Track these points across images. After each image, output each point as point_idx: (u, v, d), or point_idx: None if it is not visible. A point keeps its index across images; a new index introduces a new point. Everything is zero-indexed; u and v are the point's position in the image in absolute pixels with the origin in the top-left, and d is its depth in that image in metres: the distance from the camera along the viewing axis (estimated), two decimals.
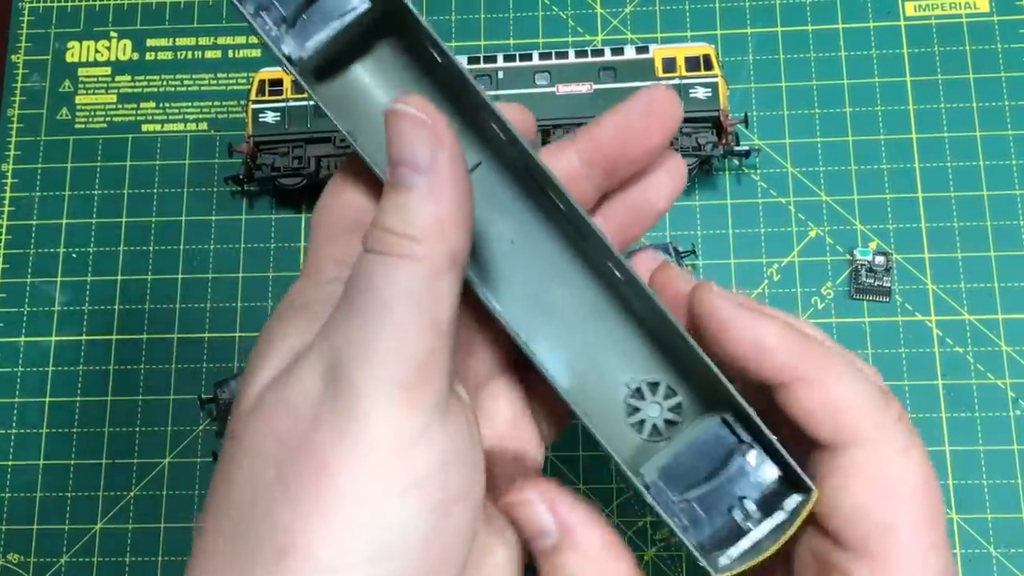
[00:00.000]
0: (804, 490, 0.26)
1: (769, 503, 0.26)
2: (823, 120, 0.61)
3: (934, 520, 0.26)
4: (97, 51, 0.66)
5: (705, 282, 0.28)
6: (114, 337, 0.60)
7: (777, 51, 0.63)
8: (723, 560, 0.25)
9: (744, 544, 0.25)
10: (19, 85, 0.65)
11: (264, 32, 0.25)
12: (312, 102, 0.60)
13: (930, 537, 0.26)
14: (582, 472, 0.56)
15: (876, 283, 0.58)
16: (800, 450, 0.27)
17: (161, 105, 0.64)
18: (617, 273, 0.27)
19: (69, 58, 0.66)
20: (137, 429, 0.59)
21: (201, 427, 0.58)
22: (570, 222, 0.28)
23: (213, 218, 0.62)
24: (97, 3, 0.67)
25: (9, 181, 0.63)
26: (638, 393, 0.29)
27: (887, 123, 0.61)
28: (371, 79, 0.28)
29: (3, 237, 0.62)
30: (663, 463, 0.27)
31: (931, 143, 0.60)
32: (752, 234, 0.59)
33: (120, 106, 0.65)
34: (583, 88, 0.59)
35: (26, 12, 0.67)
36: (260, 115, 0.59)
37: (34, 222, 0.63)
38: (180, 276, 0.61)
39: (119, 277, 0.61)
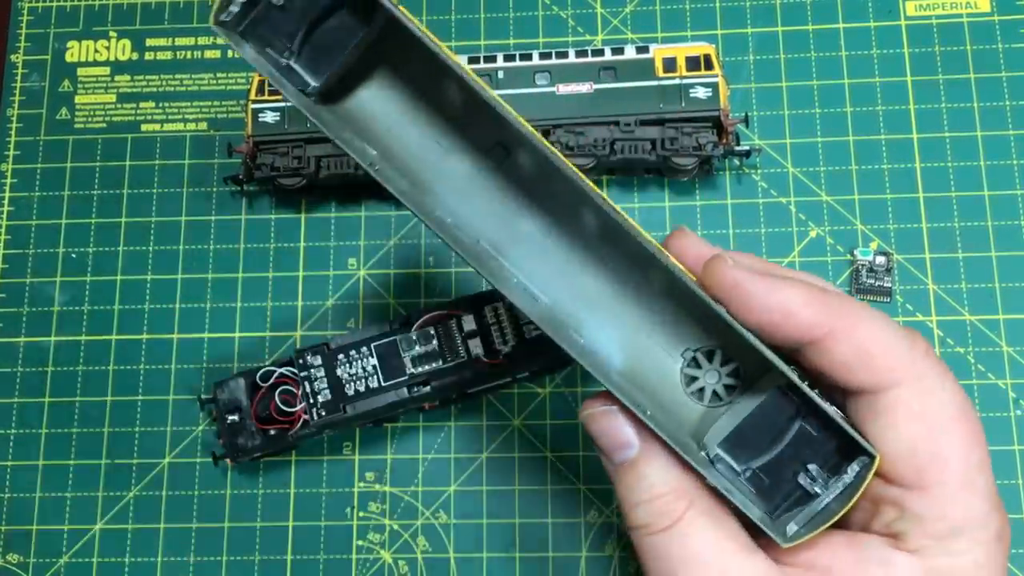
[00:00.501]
0: (865, 454, 0.26)
1: (832, 468, 0.26)
2: (824, 120, 0.61)
3: (976, 441, 0.27)
4: (96, 51, 0.66)
5: (718, 255, 0.28)
6: (114, 337, 0.60)
7: (778, 51, 0.62)
8: (791, 528, 0.26)
9: (810, 511, 0.26)
10: (18, 85, 0.65)
11: (272, 67, 0.25)
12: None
13: (976, 456, 0.27)
14: (581, 471, 0.56)
15: (877, 283, 0.58)
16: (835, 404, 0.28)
17: (160, 105, 0.64)
18: (651, 254, 0.28)
19: (68, 58, 0.66)
20: (137, 429, 0.58)
21: (201, 427, 0.58)
22: (597, 216, 0.28)
23: (212, 218, 0.62)
24: (96, 3, 0.67)
25: (8, 181, 0.63)
26: (694, 363, 0.30)
27: (888, 123, 0.61)
28: (379, 101, 0.28)
29: (2, 237, 0.62)
30: (726, 434, 0.28)
31: (932, 143, 0.60)
32: (752, 234, 0.59)
33: (119, 106, 0.65)
34: (583, 88, 0.59)
35: (25, 12, 0.67)
36: (260, 115, 0.59)
37: (33, 222, 0.62)
38: (180, 276, 0.61)
39: (119, 277, 0.61)
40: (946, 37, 0.62)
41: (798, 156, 0.60)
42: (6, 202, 0.63)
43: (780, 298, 0.27)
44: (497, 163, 0.29)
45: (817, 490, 0.26)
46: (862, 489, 0.25)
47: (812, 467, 0.26)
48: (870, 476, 0.25)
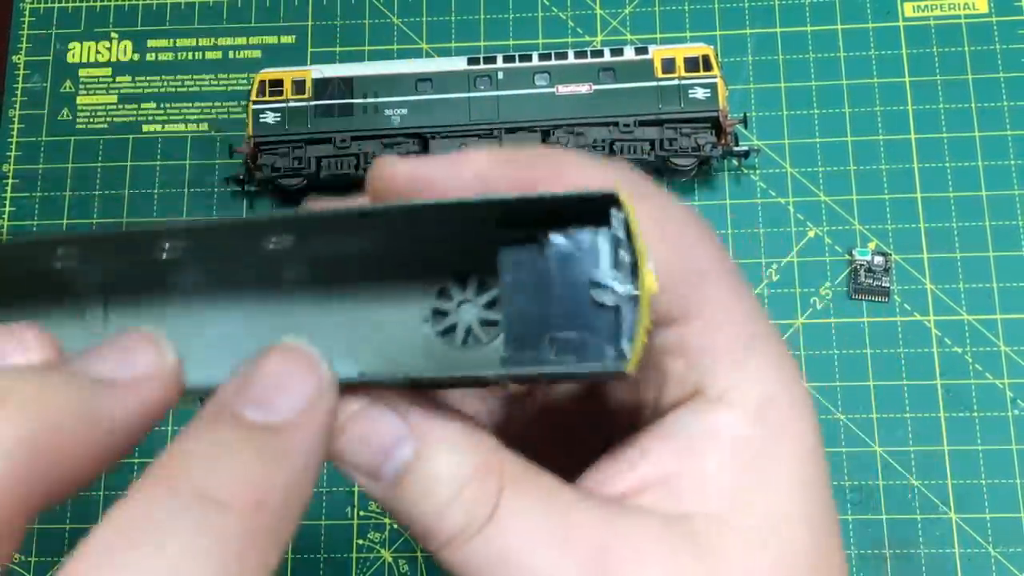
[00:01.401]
0: (606, 204, 0.22)
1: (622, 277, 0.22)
2: (822, 120, 0.61)
3: (719, 246, 0.25)
4: (98, 52, 0.66)
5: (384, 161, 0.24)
6: None
7: (776, 52, 0.63)
8: (625, 348, 0.21)
9: (626, 317, 0.21)
10: (20, 86, 0.65)
11: None
12: (313, 103, 0.60)
13: (729, 262, 0.25)
14: None
15: (875, 283, 0.58)
16: None
17: (162, 106, 0.65)
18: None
19: (70, 59, 0.66)
20: None
21: None
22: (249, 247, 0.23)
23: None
24: (98, 4, 0.67)
25: (10, 182, 0.63)
26: (443, 295, 0.24)
27: (886, 123, 0.61)
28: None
29: (4, 238, 0.62)
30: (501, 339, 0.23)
31: (930, 143, 0.60)
32: (751, 234, 0.60)
33: (121, 107, 0.65)
34: (583, 89, 0.59)
35: (27, 13, 0.67)
36: (260, 115, 0.60)
37: (35, 223, 0.63)
38: None
39: None
40: (944, 38, 0.62)
41: (797, 157, 0.61)
42: (8, 203, 0.63)
43: (468, 167, 0.23)
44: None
45: (615, 286, 0.22)
46: (639, 239, 0.21)
47: (597, 276, 0.22)
48: (631, 215, 0.21)
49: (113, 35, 0.66)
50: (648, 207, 0.23)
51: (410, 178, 0.22)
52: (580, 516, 0.21)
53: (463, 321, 0.24)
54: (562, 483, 0.22)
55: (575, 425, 0.28)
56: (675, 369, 0.23)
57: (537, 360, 0.22)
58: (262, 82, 0.60)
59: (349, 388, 0.21)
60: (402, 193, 0.22)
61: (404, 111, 0.60)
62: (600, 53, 0.59)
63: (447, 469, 0.21)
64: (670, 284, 0.23)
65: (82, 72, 0.66)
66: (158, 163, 0.63)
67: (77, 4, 0.67)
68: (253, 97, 0.60)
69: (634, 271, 0.21)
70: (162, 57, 0.66)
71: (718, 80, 0.58)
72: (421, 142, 0.60)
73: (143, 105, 0.65)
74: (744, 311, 0.24)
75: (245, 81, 0.65)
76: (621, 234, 0.22)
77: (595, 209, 0.22)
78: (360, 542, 0.56)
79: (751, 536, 0.22)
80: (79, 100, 0.65)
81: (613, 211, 0.22)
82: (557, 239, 0.22)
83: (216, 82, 0.65)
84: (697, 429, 0.23)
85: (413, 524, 0.21)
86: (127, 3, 0.67)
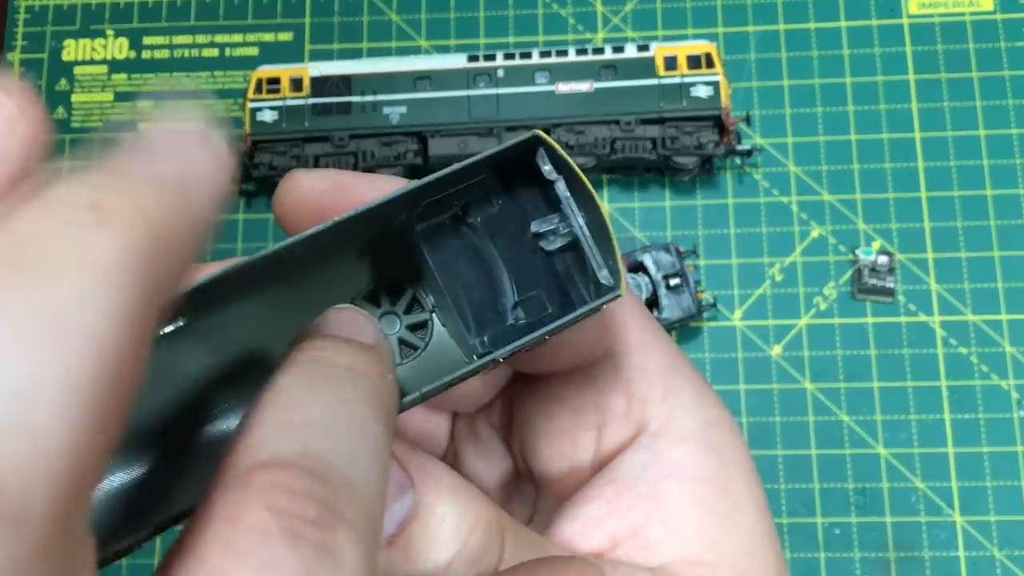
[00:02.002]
0: (531, 146, 0.21)
1: (548, 209, 0.22)
2: (825, 119, 0.61)
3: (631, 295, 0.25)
4: (93, 49, 0.65)
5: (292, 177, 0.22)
6: None
7: (779, 49, 0.62)
8: (604, 282, 0.20)
9: (593, 256, 0.21)
10: None
11: None
12: (309, 101, 0.60)
13: (645, 312, 0.25)
14: None
15: (879, 283, 0.57)
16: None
17: (158, 104, 0.64)
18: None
19: (65, 57, 0.65)
20: None
21: None
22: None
23: None
24: (93, 1, 0.66)
25: None
26: (398, 294, 0.23)
27: (890, 122, 0.60)
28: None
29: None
30: (458, 325, 0.22)
31: (934, 142, 0.60)
32: (754, 234, 0.59)
33: (117, 104, 0.64)
34: (584, 86, 0.58)
35: (22, 10, 0.66)
36: (257, 114, 0.59)
37: None
38: None
39: None
40: (949, 35, 0.61)
41: (800, 155, 0.60)
42: None
43: (381, 181, 0.22)
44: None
45: (561, 226, 0.21)
46: (572, 164, 0.21)
47: (535, 226, 0.22)
48: (558, 148, 0.21)
49: (109, 32, 0.66)
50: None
51: (321, 191, 0.21)
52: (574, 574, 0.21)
53: (392, 334, 0.23)
54: (548, 539, 0.22)
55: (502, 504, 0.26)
56: (616, 406, 0.24)
57: (509, 332, 0.21)
58: (259, 80, 0.60)
59: None
60: (312, 206, 0.21)
61: (403, 109, 0.59)
62: (601, 51, 0.59)
63: (452, 518, 0.20)
64: (593, 319, 0.23)
65: (77, 70, 0.65)
66: None
67: (72, 1, 0.66)
68: (250, 95, 0.59)
69: (578, 199, 0.21)
70: (158, 55, 0.65)
71: (720, 78, 0.58)
72: (420, 141, 0.59)
73: (139, 103, 0.64)
74: (658, 338, 0.24)
75: (242, 79, 0.64)
76: (548, 170, 0.21)
77: (514, 169, 0.22)
78: None
79: (731, 570, 0.22)
80: (74, 98, 0.64)
81: (540, 151, 0.21)
82: (482, 211, 0.22)
83: (212, 80, 0.64)
84: (654, 473, 0.23)
85: None
86: (123, 1, 0.66)
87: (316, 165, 0.58)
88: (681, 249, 0.57)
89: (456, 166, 0.20)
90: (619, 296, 0.20)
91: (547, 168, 0.21)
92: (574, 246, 0.21)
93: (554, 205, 0.22)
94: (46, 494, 0.10)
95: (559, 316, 0.21)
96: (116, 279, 0.11)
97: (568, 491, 0.24)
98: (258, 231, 0.61)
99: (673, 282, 0.56)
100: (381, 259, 0.23)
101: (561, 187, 0.21)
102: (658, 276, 0.56)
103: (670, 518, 0.22)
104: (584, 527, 0.22)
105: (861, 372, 0.57)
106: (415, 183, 0.20)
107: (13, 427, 0.10)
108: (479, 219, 0.22)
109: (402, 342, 0.23)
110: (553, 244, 0.22)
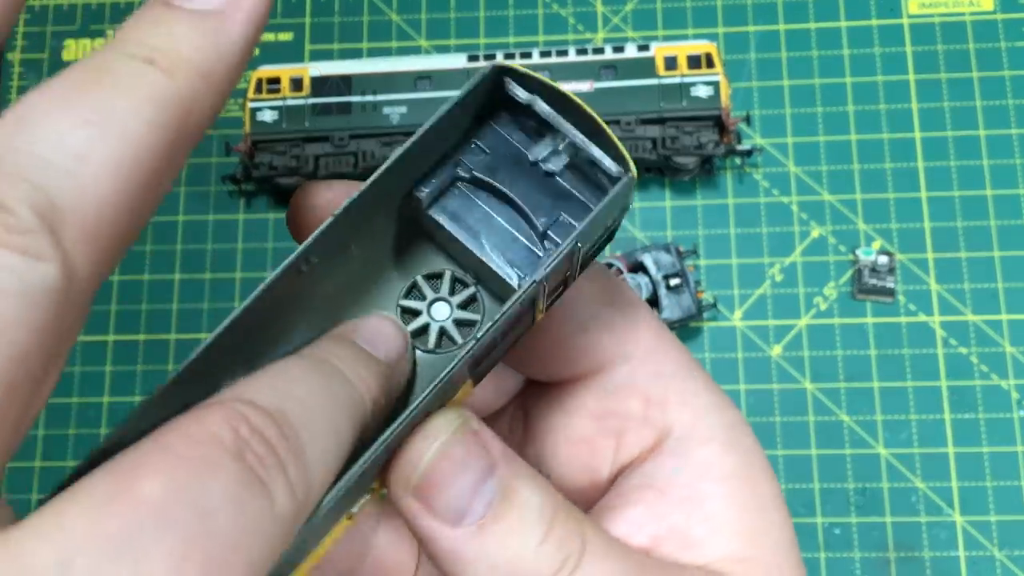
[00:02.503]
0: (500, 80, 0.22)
1: (537, 132, 0.22)
2: (826, 119, 0.61)
3: (637, 298, 0.25)
4: (94, 49, 0.65)
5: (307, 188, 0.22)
6: (111, 338, 0.60)
7: (779, 49, 0.62)
8: (613, 173, 0.21)
9: (599, 155, 0.21)
10: (15, 84, 0.65)
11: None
12: (311, 101, 0.60)
13: (643, 303, 0.25)
14: None
15: (879, 283, 0.57)
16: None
17: None
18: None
19: (65, 56, 0.65)
20: None
21: None
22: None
23: (210, 218, 0.61)
24: (93, 1, 0.66)
25: None
26: (414, 292, 0.22)
27: (890, 122, 0.60)
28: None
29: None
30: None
31: (935, 142, 0.60)
32: (754, 234, 0.59)
33: None
34: (584, 86, 0.58)
35: (22, 10, 0.66)
36: (257, 113, 0.59)
37: None
38: (177, 276, 0.60)
39: (116, 278, 0.61)
40: (949, 35, 0.61)
41: (800, 155, 0.60)
42: None
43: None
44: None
45: (559, 143, 0.21)
46: (542, 78, 0.21)
47: (532, 154, 0.22)
48: (527, 71, 0.21)
49: (109, 32, 0.66)
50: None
51: (333, 198, 0.22)
52: (650, 564, 0.21)
53: (435, 322, 0.22)
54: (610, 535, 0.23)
55: None
56: (635, 411, 0.24)
57: (542, 261, 0.21)
58: (259, 80, 0.60)
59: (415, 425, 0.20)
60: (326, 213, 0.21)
61: (403, 109, 0.59)
62: (601, 51, 0.59)
63: (536, 504, 0.20)
64: (607, 325, 0.23)
65: None
66: None
67: (73, 1, 0.66)
68: (250, 95, 0.59)
69: (562, 110, 0.21)
70: None
71: (720, 78, 0.58)
72: None
73: None
74: (671, 342, 0.25)
75: (242, 79, 0.64)
76: (523, 95, 0.21)
77: (493, 110, 0.22)
78: None
79: (770, 564, 0.22)
80: None
81: (508, 81, 0.21)
82: (478, 163, 0.22)
83: None
84: (688, 475, 0.23)
85: (496, 572, 0.19)
86: (123, 1, 0.66)
87: (316, 165, 0.58)
88: (681, 249, 0.57)
89: (430, 120, 0.20)
90: (633, 176, 0.20)
91: (521, 94, 0.21)
92: (576, 158, 0.22)
93: (544, 127, 0.22)
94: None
95: (590, 208, 0.21)
96: (162, 105, 0.15)
97: (585, 499, 0.24)
98: (258, 231, 0.61)
99: (673, 282, 0.56)
100: (414, 254, 0.23)
101: (541, 106, 0.21)
102: (658, 276, 0.56)
103: (711, 518, 0.23)
104: (628, 531, 0.23)
105: (861, 372, 0.57)
106: (400, 149, 0.20)
107: (72, 169, 0.14)
108: (479, 172, 0.22)
109: (459, 323, 0.23)
110: (557, 163, 0.22)
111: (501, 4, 0.64)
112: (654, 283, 0.56)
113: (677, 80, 0.58)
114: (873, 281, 0.57)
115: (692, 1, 0.63)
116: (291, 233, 0.22)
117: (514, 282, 0.21)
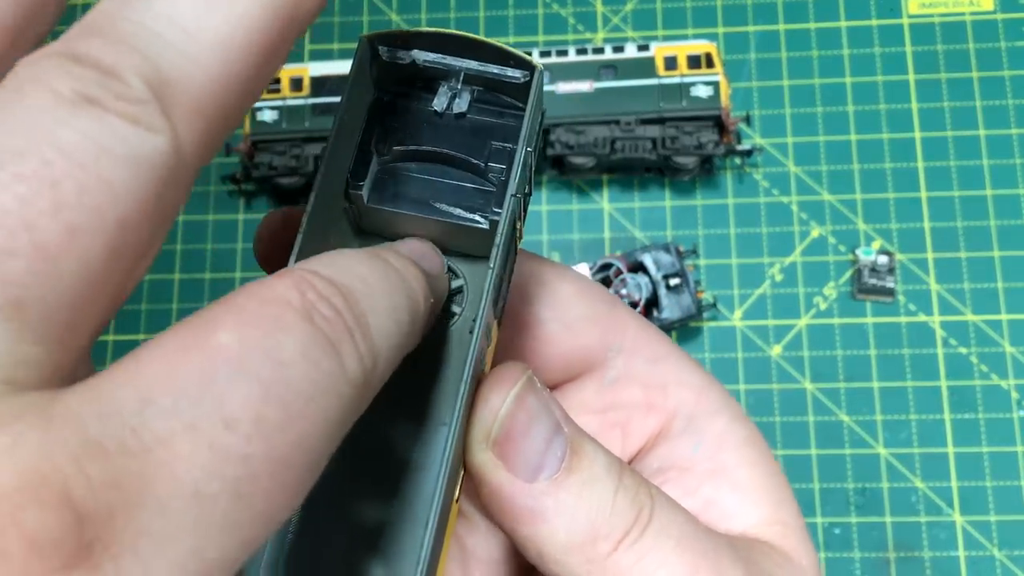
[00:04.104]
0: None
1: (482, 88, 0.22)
2: (825, 119, 0.61)
3: (614, 297, 0.27)
4: None
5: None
6: (110, 338, 0.60)
7: (779, 49, 0.62)
8: (519, 78, 0.21)
9: (490, 72, 0.21)
10: None
11: None
12: (311, 102, 0.60)
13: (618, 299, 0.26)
14: None
15: (879, 283, 0.57)
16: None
17: None
18: None
19: None
20: None
21: None
22: None
23: (210, 218, 0.61)
24: (93, 1, 0.66)
25: None
26: None
27: (890, 122, 0.60)
28: None
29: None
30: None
31: (934, 142, 0.60)
32: (754, 234, 0.59)
33: None
34: (584, 86, 0.58)
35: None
36: (258, 113, 0.59)
37: None
38: (177, 276, 0.60)
39: None
40: (949, 35, 0.61)
41: (800, 155, 0.60)
42: None
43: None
44: None
45: (453, 84, 0.22)
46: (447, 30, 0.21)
47: (436, 104, 0.22)
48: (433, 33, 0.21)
49: None
50: (552, 276, 0.24)
51: (281, 218, 0.22)
52: (698, 524, 0.21)
53: None
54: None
55: None
56: (635, 397, 0.25)
57: (501, 186, 0.21)
58: None
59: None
60: (286, 243, 0.22)
61: None
62: (601, 51, 0.59)
63: (604, 460, 0.20)
64: (590, 320, 0.24)
65: None
66: None
67: (73, 1, 0.66)
68: None
69: (444, 50, 0.21)
70: None
71: (720, 78, 0.58)
72: None
73: None
74: (653, 327, 0.26)
75: None
76: (400, 55, 0.21)
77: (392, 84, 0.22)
78: None
79: (797, 528, 0.23)
80: None
81: (381, 49, 0.21)
82: (394, 136, 0.22)
83: None
84: (707, 448, 0.24)
85: (571, 531, 0.19)
86: None
87: (316, 165, 0.58)
88: (681, 249, 0.57)
89: (337, 115, 0.21)
90: (540, 69, 0.21)
91: (401, 55, 0.21)
92: (479, 88, 0.22)
93: (437, 74, 0.22)
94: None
95: (517, 138, 0.21)
96: None
97: None
98: None
99: (673, 282, 0.56)
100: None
101: (419, 55, 0.21)
102: (658, 276, 0.56)
103: (739, 486, 0.23)
104: None
105: (861, 372, 0.57)
106: (325, 150, 0.21)
107: (183, 44, 0.14)
108: (397, 146, 0.22)
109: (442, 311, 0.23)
110: (463, 102, 0.22)
111: (501, 4, 0.64)
112: (654, 283, 0.56)
113: (677, 80, 0.58)
114: (873, 281, 0.57)
115: (692, 1, 0.63)
116: (260, 263, 0.22)
117: (484, 224, 0.21)
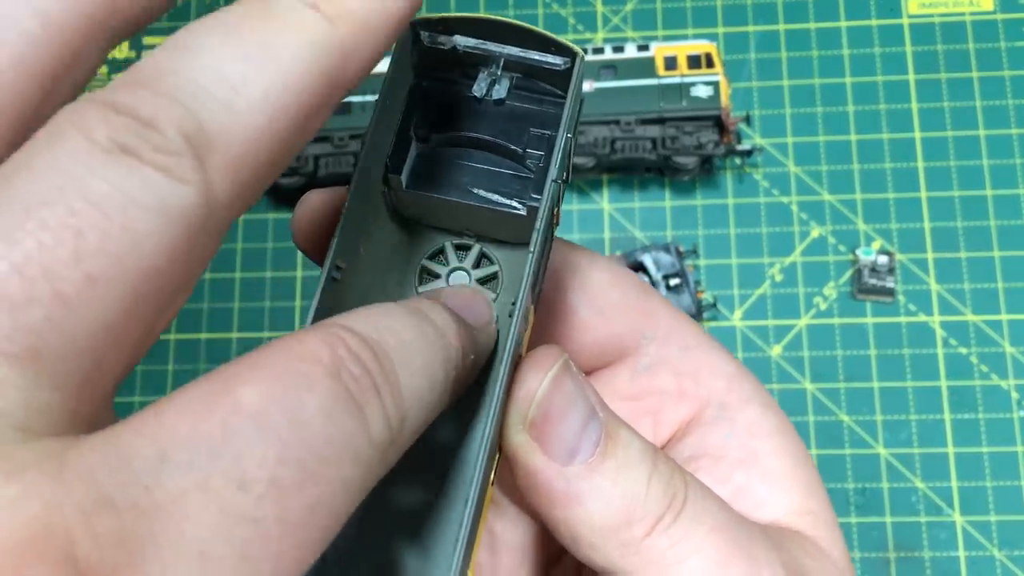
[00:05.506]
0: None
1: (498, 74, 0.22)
2: (825, 119, 0.61)
3: (648, 286, 0.27)
4: None
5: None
6: None
7: (779, 49, 0.62)
8: (559, 66, 0.21)
9: (532, 59, 0.21)
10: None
11: None
12: None
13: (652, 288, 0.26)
14: None
15: (879, 283, 0.57)
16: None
17: None
18: None
19: None
20: None
21: None
22: None
23: None
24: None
25: None
26: (426, 277, 0.23)
27: (890, 122, 0.60)
28: None
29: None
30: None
31: (934, 142, 0.60)
32: (754, 234, 0.59)
33: None
34: (584, 86, 0.58)
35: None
36: None
37: None
38: None
39: None
40: (949, 35, 0.61)
41: (800, 155, 0.60)
42: None
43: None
44: None
45: (493, 70, 0.21)
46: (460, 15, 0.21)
47: (475, 90, 0.21)
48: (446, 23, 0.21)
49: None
50: (584, 263, 0.25)
51: (330, 200, 0.22)
52: (731, 511, 0.22)
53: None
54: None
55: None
56: (667, 385, 0.25)
57: (540, 172, 0.21)
58: None
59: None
60: (325, 219, 0.22)
61: None
62: (601, 50, 0.59)
63: (638, 445, 0.20)
64: (621, 308, 0.25)
65: None
66: None
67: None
68: None
69: (485, 36, 0.21)
70: None
71: (720, 78, 0.58)
72: None
73: None
74: (685, 316, 0.26)
75: None
76: (435, 39, 0.21)
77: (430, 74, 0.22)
78: None
79: (827, 518, 0.23)
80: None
81: (422, 35, 0.21)
82: (432, 124, 0.22)
83: None
84: (739, 437, 0.24)
85: (606, 515, 0.20)
86: None
87: (316, 165, 0.58)
88: (681, 249, 0.57)
89: (378, 99, 0.21)
90: (582, 55, 0.21)
91: (442, 39, 0.21)
92: (519, 75, 0.22)
93: (478, 60, 0.22)
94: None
95: (555, 124, 0.21)
96: (322, 49, 0.15)
97: None
98: (258, 231, 0.61)
99: (673, 282, 0.56)
100: (408, 243, 0.23)
101: (460, 40, 0.21)
102: (658, 276, 0.56)
103: (770, 474, 0.23)
104: None
105: (861, 372, 0.57)
106: (366, 135, 0.21)
107: (226, 99, 0.14)
108: (437, 132, 0.22)
109: (482, 281, 0.23)
110: (502, 88, 0.22)
111: (501, 4, 0.64)
112: (654, 283, 0.56)
113: (677, 80, 0.58)
114: (873, 281, 0.57)
115: (692, 1, 0.63)
116: (299, 244, 0.22)
117: (521, 210, 0.21)
